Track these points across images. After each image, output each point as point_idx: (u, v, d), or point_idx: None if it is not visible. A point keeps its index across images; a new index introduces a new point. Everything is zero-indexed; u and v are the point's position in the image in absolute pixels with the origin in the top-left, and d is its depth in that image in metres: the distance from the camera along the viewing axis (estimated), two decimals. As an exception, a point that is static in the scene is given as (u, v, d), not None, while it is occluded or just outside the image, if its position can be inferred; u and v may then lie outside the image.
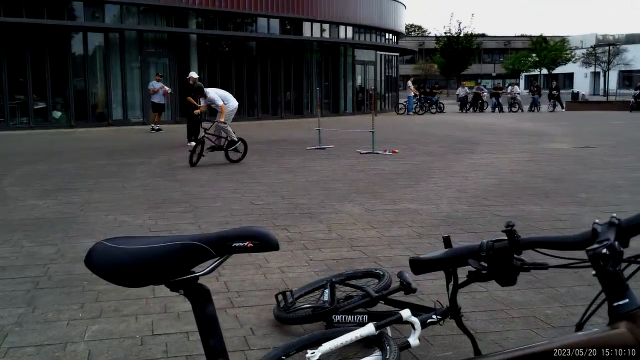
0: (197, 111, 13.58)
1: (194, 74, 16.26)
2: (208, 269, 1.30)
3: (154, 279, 1.31)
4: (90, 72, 22.46)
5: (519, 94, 32.95)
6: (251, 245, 1.28)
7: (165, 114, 22.65)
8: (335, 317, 3.30)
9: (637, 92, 30.23)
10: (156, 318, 3.79)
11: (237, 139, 11.85)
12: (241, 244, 1.28)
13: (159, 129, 19.92)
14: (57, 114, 21.94)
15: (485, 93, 34.17)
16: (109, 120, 22.54)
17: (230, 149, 11.77)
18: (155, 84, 20.20)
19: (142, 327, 3.67)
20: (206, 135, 11.99)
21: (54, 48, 21.51)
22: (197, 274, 1.31)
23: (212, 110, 13.49)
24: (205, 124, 12.56)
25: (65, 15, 21.80)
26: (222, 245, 1.28)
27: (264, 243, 1.29)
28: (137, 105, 23.11)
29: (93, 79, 22.67)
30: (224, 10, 25.13)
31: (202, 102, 12.81)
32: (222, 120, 12.03)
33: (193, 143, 14.95)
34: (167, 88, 20.44)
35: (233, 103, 12.75)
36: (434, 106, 31.60)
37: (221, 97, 12.46)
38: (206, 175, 10.00)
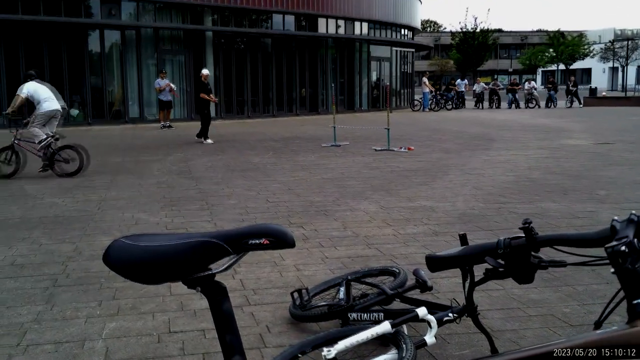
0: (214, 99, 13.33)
1: (205, 71, 16.34)
2: (225, 266, 1.31)
3: (172, 276, 1.32)
4: (107, 69, 22.62)
5: (536, 89, 32.63)
6: (267, 242, 1.28)
7: (175, 111, 22.81)
8: (351, 315, 3.30)
9: None
10: (173, 316, 3.81)
11: (45, 152, 9.95)
12: (257, 241, 1.28)
13: (170, 126, 20.07)
14: (75, 112, 22.10)
15: (500, 87, 33.94)
16: (126, 118, 22.69)
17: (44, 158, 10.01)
18: (160, 82, 20.37)
19: (159, 324, 3.69)
20: (16, 142, 10.02)
21: (71, 46, 21.69)
22: (214, 272, 1.32)
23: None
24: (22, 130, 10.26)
25: (82, 13, 21.95)
26: (238, 243, 1.29)
27: (280, 240, 1.29)
28: (153, 103, 23.21)
29: (110, 76, 22.83)
30: (239, 6, 25.19)
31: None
32: (32, 124, 10.07)
33: (210, 140, 15.06)
34: (172, 85, 20.59)
35: (49, 105, 10.15)
36: (450, 102, 31.47)
37: (35, 93, 10.14)
38: (221, 173, 10.03)
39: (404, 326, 3.00)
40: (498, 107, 31.96)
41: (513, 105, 31.69)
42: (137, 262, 1.30)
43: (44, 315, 3.86)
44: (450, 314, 3.05)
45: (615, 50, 53.76)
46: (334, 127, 14.51)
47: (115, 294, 4.22)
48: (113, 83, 23.04)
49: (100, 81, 22.45)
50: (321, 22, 28.54)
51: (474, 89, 34.97)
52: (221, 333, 1.35)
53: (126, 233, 1.35)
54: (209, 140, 15.14)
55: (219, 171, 10.26)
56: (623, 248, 1.08)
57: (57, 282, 4.50)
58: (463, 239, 1.47)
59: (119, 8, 22.60)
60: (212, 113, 24.06)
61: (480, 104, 32.48)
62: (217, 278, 1.33)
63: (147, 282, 1.34)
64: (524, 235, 1.27)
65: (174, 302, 4.03)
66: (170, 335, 3.53)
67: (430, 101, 30.80)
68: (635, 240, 1.10)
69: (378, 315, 3.24)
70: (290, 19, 27.32)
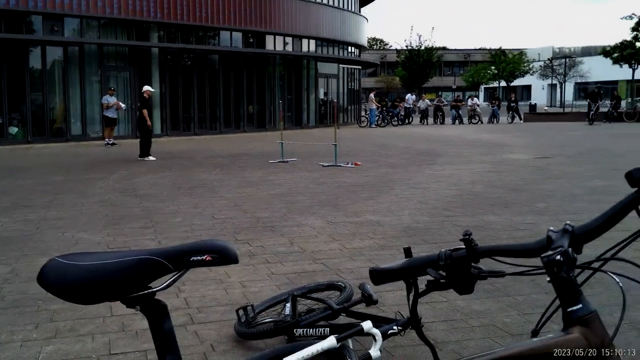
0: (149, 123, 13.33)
1: (149, 88, 16.08)
2: (165, 284, 1.28)
3: (109, 295, 1.28)
4: (49, 86, 22.07)
5: (478, 105, 33.50)
6: (210, 258, 1.26)
7: (120, 128, 22.45)
8: (296, 331, 3.28)
9: (613, 102, 30.36)
10: (113, 337, 3.71)
11: None
12: (199, 258, 1.26)
13: (114, 143, 19.74)
14: (14, 130, 21.46)
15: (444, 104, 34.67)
16: (68, 136, 22.15)
17: None
18: (109, 99, 20.07)
19: (98, 346, 3.58)
20: None
21: (10, 62, 21.08)
22: (154, 290, 1.28)
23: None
24: None
25: (23, 29, 21.41)
26: (179, 260, 1.26)
27: (223, 256, 1.26)
28: (97, 120, 22.76)
29: (51, 93, 22.27)
30: (186, 23, 25.02)
31: None
32: None
33: (152, 158, 14.83)
34: (122, 105, 20.31)
35: None
36: (396, 118, 31.92)
37: None
38: (166, 191, 9.88)
39: (350, 340, 3.00)
40: (442, 123, 32.62)
41: (457, 121, 32.41)
42: (73, 282, 1.26)
43: (-24, 340, 3.69)
44: (395, 327, 3.07)
45: (554, 67, 55.71)
46: (282, 143, 14.51)
47: (53, 316, 4.08)
48: (55, 100, 22.48)
49: (41, 98, 21.86)
50: (269, 39, 28.63)
51: (418, 105, 35.62)
52: (161, 353, 1.32)
53: (66, 253, 1.31)
54: (151, 157, 14.92)
55: (164, 189, 10.10)
56: (558, 257, 1.10)
57: (-9, 305, 4.32)
58: (407, 252, 1.48)
59: (61, 24, 22.13)
60: (158, 130, 23.88)
61: (425, 120, 33.07)
62: (159, 296, 1.30)
63: (84, 302, 1.29)
64: (464, 246, 1.28)
65: (115, 322, 3.92)
66: (110, 357, 3.43)
67: (377, 117, 31.20)
68: (570, 249, 1.13)
69: (324, 331, 3.23)
70: (237, 35, 27.30)
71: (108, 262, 1.27)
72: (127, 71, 23.87)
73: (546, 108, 49.99)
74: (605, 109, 30.47)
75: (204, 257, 1.26)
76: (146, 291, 1.28)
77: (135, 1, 23.33)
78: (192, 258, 1.26)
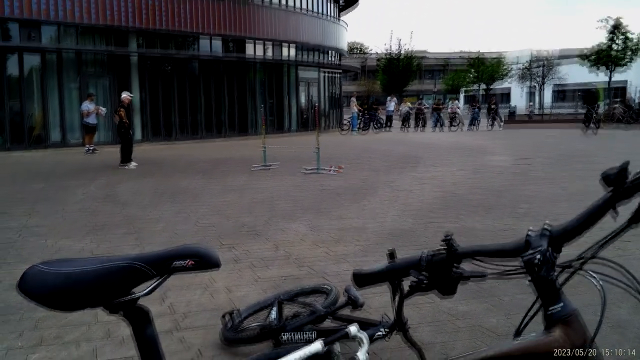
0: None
1: (128, 94, 15.97)
2: (148, 289, 1.27)
3: (91, 302, 1.27)
4: (27, 93, 21.83)
5: (459, 109, 33.73)
6: (192, 263, 1.26)
7: (100, 135, 22.27)
8: (283, 336, 3.28)
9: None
10: (99, 344, 3.68)
11: None
12: (181, 263, 1.26)
13: (94, 150, 19.57)
14: (-8, 138, 21.22)
15: (426, 108, 34.84)
16: (47, 143, 21.93)
17: None
18: (89, 105, 19.88)
19: (84, 354, 3.55)
20: None
21: (-13, 69, 20.86)
22: (136, 295, 1.28)
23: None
24: None
25: (0, 36, 21.21)
26: (161, 265, 1.26)
27: (205, 261, 1.27)
28: (76, 127, 22.54)
29: (30, 100, 22.04)
30: (165, 30, 24.92)
31: None
32: None
33: (133, 164, 14.72)
34: (102, 109, 20.13)
35: None
36: (376, 122, 31.79)
37: None
38: (148, 197, 9.82)
39: (337, 344, 3.01)
40: (424, 127, 32.78)
41: (438, 124, 32.57)
42: (53, 289, 1.24)
43: (-42, 350, 3.65)
44: (381, 330, 3.08)
45: (532, 71, 56.25)
46: (264, 148, 14.50)
47: (37, 323, 4.04)
48: (33, 107, 22.25)
49: (19, 105, 21.63)
50: (249, 45, 28.60)
51: (400, 109, 35.76)
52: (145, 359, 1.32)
53: (48, 260, 1.31)
54: (133, 164, 14.82)
55: (146, 195, 10.04)
56: (538, 257, 1.12)
57: (-27, 314, 4.27)
58: (391, 255, 1.49)
59: (38, 31, 21.92)
60: (139, 136, 23.72)
61: (407, 125, 33.23)
62: (143, 302, 1.30)
63: (65, 309, 1.28)
64: (445, 248, 1.30)
65: (101, 329, 3.90)
66: (97, 364, 3.41)
67: (359, 121, 31.25)
68: (549, 250, 1.15)
69: (310, 335, 3.23)
70: (217, 42, 27.24)
71: (89, 268, 1.26)
72: (106, 78, 23.71)
73: (530, 108, 50.30)
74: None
75: (186, 262, 1.26)
76: (128, 297, 1.27)
77: (113, 8, 23.20)
78: (174, 263, 1.26)
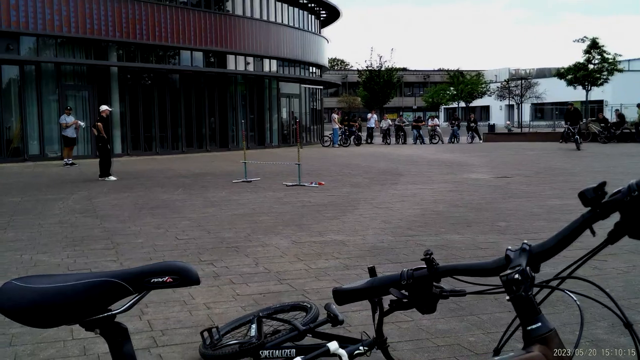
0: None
1: (107, 107, 15.97)
2: (125, 306, 1.26)
3: (67, 319, 1.26)
4: (5, 105, 21.63)
5: (438, 126, 34.04)
6: (171, 280, 1.25)
7: (79, 148, 22.10)
8: (262, 353, 3.25)
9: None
10: (75, 361, 3.62)
11: None
12: (160, 280, 1.25)
13: (73, 163, 19.41)
14: (-32, 150, 20.94)
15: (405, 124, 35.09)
16: (25, 156, 21.69)
17: None
18: (67, 118, 19.79)
19: (59, 371, 3.49)
20: None
21: (-36, 81, 20.63)
22: (113, 312, 1.27)
23: None
24: None
25: (-23, 47, 21.00)
26: (139, 282, 1.25)
27: (184, 278, 1.26)
28: (55, 140, 22.36)
29: (7, 112, 21.83)
30: (146, 42, 24.85)
31: None
32: None
33: (112, 177, 14.61)
34: (81, 123, 20.04)
35: None
36: (354, 137, 31.78)
37: None
38: (128, 211, 9.74)
39: (317, 361, 2.99)
40: (404, 142, 32.99)
41: (418, 141, 32.81)
42: (29, 305, 1.23)
43: None
44: (361, 347, 3.07)
45: (511, 88, 57.00)
46: (245, 162, 14.47)
47: (11, 340, 3.97)
48: (11, 119, 22.02)
49: (-4, 117, 21.41)
50: (230, 58, 28.63)
51: (380, 125, 35.97)
52: None
53: (24, 275, 1.29)
54: (112, 177, 14.71)
55: (125, 209, 9.95)
56: (516, 276, 1.13)
57: (-55, 331, 4.18)
58: (372, 271, 1.49)
59: (17, 43, 21.75)
60: (119, 149, 23.57)
61: (387, 140, 33.41)
62: (120, 319, 1.28)
63: (41, 325, 1.26)
64: (425, 266, 1.30)
65: (76, 346, 3.84)
66: (72, 382, 3.35)
67: (340, 137, 31.36)
68: (528, 268, 1.16)
69: (290, 352, 3.21)
70: (198, 55, 27.23)
71: (65, 284, 1.25)
72: (85, 90, 23.57)
73: (509, 123, 51.01)
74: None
75: (164, 279, 1.25)
76: (105, 314, 1.26)
77: (93, 19, 23.11)
78: (153, 280, 1.25)
